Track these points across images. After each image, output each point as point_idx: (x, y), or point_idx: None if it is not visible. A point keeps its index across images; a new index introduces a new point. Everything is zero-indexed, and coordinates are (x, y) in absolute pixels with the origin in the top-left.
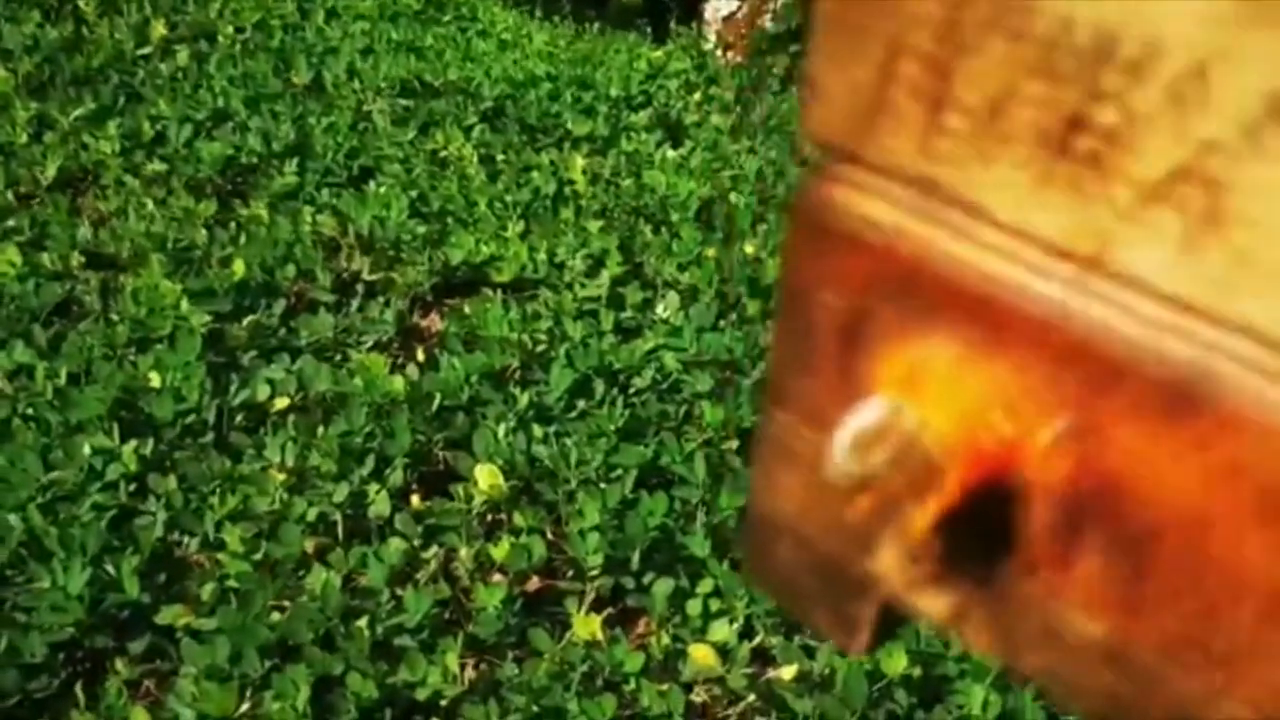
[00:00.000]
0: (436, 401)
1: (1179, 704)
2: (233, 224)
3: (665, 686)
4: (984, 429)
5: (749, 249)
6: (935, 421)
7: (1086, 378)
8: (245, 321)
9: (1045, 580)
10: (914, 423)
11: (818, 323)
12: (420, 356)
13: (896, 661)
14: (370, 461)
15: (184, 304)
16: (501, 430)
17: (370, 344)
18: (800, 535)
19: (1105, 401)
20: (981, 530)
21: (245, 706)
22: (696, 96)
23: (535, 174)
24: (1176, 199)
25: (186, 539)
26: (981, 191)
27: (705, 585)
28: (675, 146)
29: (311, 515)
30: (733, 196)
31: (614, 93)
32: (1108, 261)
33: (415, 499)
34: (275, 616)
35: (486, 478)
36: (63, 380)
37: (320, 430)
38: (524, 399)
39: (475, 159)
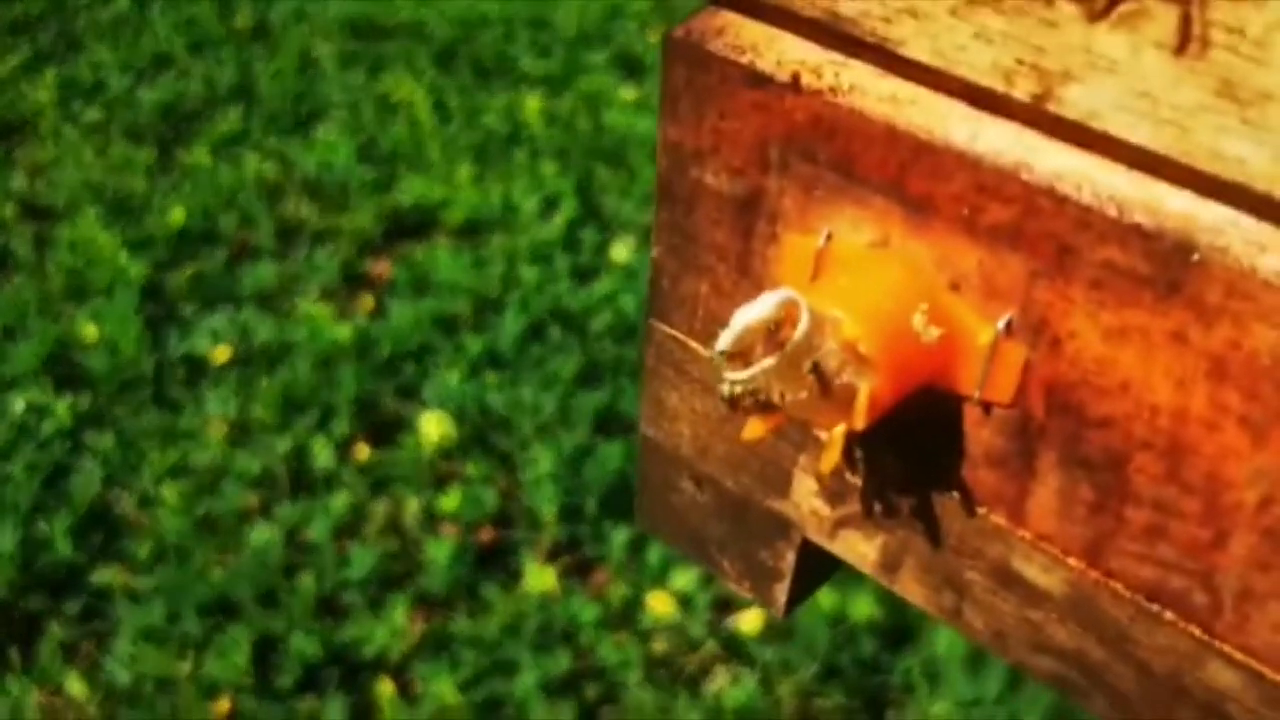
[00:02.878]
0: (385, 349)
1: (1154, 665)
2: (174, 171)
3: (622, 637)
4: (907, 329)
5: None
6: (845, 322)
7: (1034, 257)
8: (186, 271)
9: (992, 518)
10: (816, 320)
11: (707, 208)
12: (369, 303)
13: (861, 606)
14: (315, 413)
15: (122, 254)
16: (452, 377)
17: (316, 292)
18: (700, 471)
19: (1059, 287)
20: (912, 459)
21: (185, 668)
22: (659, 36)
23: (488, 116)
24: (1140, 16)
25: (123, 496)
26: (896, 25)
27: None
28: (635, 85)
29: (254, 469)
30: None
31: (571, 32)
32: (1055, 104)
33: (363, 450)
34: (215, 574)
35: (436, 426)
36: None
37: (263, 382)
38: (476, 345)
39: (426, 102)
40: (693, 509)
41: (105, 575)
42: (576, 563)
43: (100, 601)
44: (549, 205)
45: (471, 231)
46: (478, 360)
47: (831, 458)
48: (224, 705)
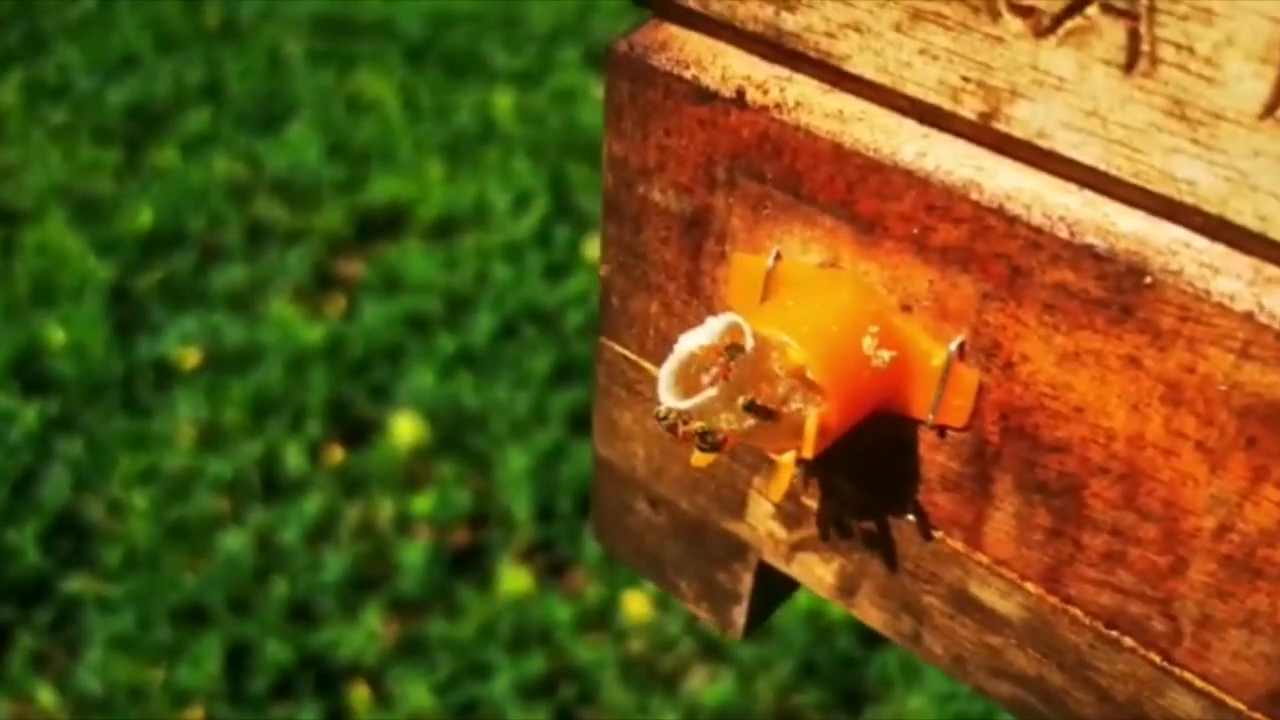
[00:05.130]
0: (356, 350)
1: (1115, 692)
2: (142, 172)
3: (598, 638)
4: (857, 353)
5: None
6: (792, 348)
7: (986, 279)
8: (154, 273)
9: (949, 543)
10: (762, 347)
11: (655, 226)
12: (340, 304)
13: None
14: (287, 415)
15: (89, 256)
16: (425, 378)
17: (287, 293)
18: (655, 493)
19: (1011, 310)
20: (867, 482)
21: (157, 676)
22: None
23: (460, 113)
24: (1088, 33)
25: (93, 502)
26: (840, 40)
27: None
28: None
29: (225, 473)
30: None
31: (543, 29)
32: (1003, 123)
33: (335, 452)
34: (187, 580)
35: (409, 427)
36: None
37: (234, 385)
38: (449, 345)
39: (397, 99)
40: (648, 530)
41: (75, 583)
42: (551, 563)
43: (70, 610)
44: (521, 203)
45: (443, 230)
46: (451, 360)
47: (780, 486)
48: (197, 713)
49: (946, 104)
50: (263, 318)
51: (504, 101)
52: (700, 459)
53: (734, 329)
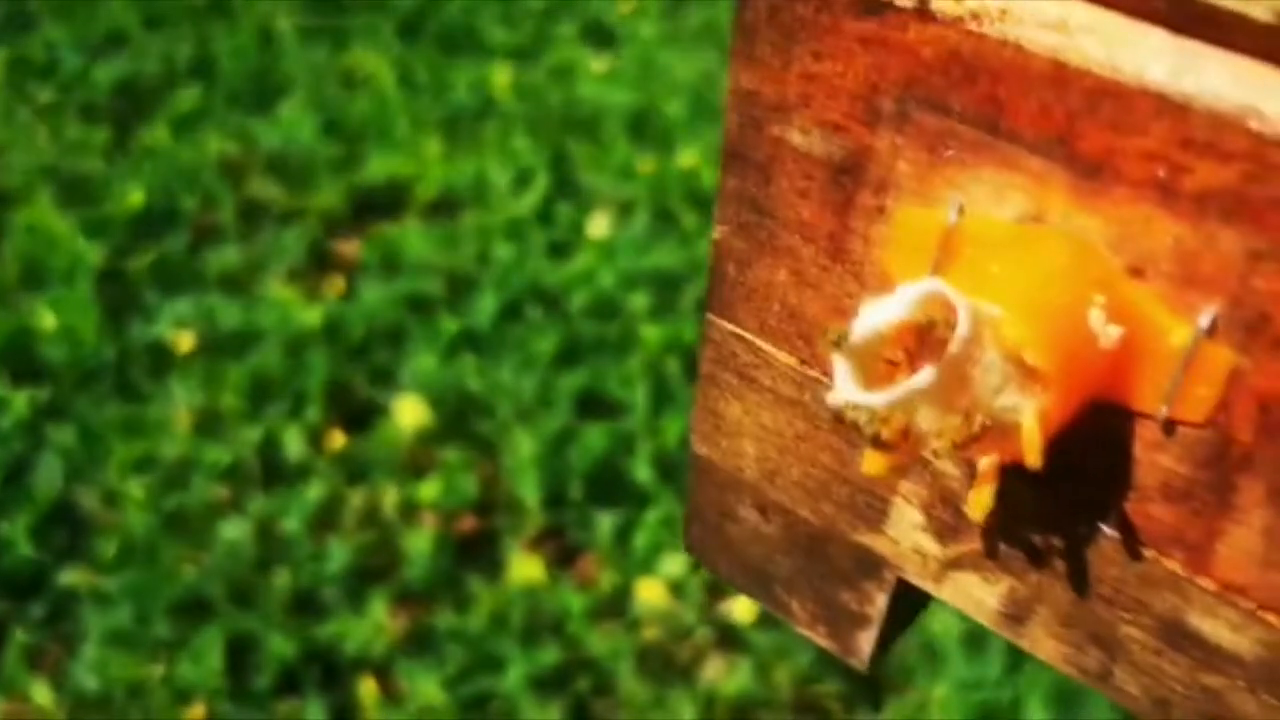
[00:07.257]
0: (356, 332)
1: None
2: (131, 152)
3: (612, 627)
4: (1082, 330)
5: (685, 160)
6: (1007, 322)
7: (1259, 233)
8: (146, 255)
9: (1164, 564)
10: (978, 322)
11: (791, 176)
12: (339, 285)
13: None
14: (286, 400)
15: (79, 238)
16: (428, 360)
17: (283, 274)
18: (768, 498)
19: None
20: (1059, 489)
21: (157, 672)
22: (629, 7)
23: (456, 89)
24: None
25: (87, 492)
26: None
27: (653, 516)
28: (606, 56)
29: (223, 460)
30: (667, 106)
31: (538, 2)
32: None
33: (337, 438)
34: (186, 572)
35: (413, 411)
36: None
37: (231, 369)
38: (451, 326)
39: (391, 75)
40: (755, 541)
41: (70, 576)
42: (562, 550)
43: (66, 604)
44: (522, 180)
45: (443, 208)
46: (453, 342)
47: (984, 499)
48: (198, 710)
49: (1226, 2)
50: (259, 299)
51: (501, 77)
52: (875, 464)
53: (935, 298)
